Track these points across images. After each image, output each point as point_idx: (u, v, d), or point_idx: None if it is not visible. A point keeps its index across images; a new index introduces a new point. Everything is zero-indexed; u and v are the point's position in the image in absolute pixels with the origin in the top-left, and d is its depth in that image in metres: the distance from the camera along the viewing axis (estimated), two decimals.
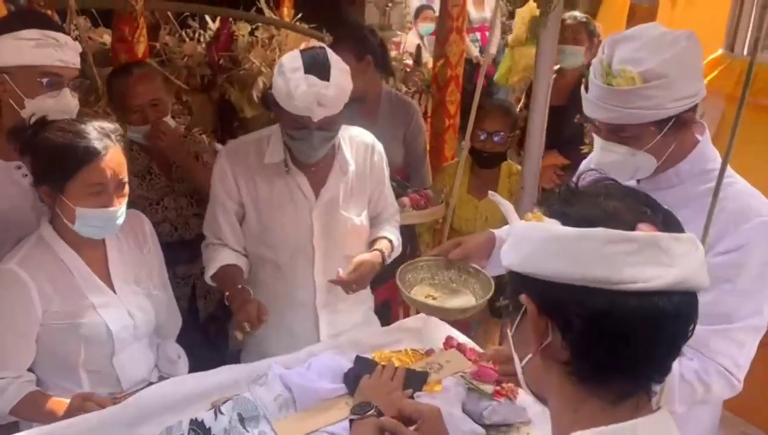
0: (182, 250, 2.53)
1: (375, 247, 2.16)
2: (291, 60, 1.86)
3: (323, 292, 2.12)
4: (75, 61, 1.89)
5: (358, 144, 2.14)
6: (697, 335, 1.44)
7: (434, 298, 1.84)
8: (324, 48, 1.95)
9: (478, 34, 6.58)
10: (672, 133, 1.51)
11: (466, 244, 1.85)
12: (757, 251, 1.46)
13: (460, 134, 3.46)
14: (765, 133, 3.15)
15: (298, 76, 1.82)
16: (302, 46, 1.95)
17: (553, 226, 0.86)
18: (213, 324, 2.70)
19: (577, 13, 3.41)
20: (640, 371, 0.85)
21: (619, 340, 0.81)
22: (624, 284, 0.79)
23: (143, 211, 2.39)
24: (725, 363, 1.45)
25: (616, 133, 1.54)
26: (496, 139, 2.78)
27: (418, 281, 1.89)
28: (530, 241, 0.87)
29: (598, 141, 1.60)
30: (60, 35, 1.85)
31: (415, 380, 1.57)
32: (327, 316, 2.15)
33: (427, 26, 6.12)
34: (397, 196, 2.51)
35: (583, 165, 1.89)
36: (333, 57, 1.90)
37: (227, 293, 1.99)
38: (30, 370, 1.77)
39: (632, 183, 1.63)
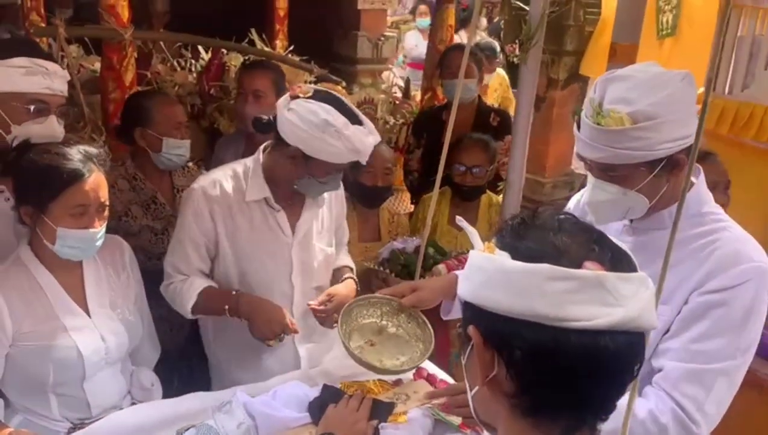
0: None
1: (345, 276, 2.18)
2: (332, 116, 1.83)
3: (301, 326, 2.11)
4: (62, 89, 1.93)
5: None
6: (667, 370, 1.46)
7: (373, 344, 1.80)
8: (330, 92, 1.95)
9: None
10: (664, 174, 1.51)
11: (421, 291, 1.82)
12: (743, 295, 1.45)
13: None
14: (750, 170, 3.18)
15: (353, 130, 1.84)
16: (302, 87, 1.94)
17: (503, 258, 0.86)
18: None
19: (461, 44, 3.55)
20: (584, 408, 0.85)
21: (561, 376, 0.81)
22: (566, 322, 0.79)
23: (149, 241, 2.47)
24: (687, 406, 1.43)
25: (607, 173, 1.54)
26: (474, 171, 2.82)
27: (365, 318, 1.85)
28: (480, 271, 0.88)
29: (590, 179, 1.60)
30: (49, 63, 1.89)
31: (381, 411, 1.57)
32: (306, 350, 2.15)
33: (424, 20, 6.30)
34: (435, 262, 2.54)
35: (572, 202, 1.90)
36: (347, 101, 1.96)
37: (227, 307, 1.96)
38: (0, 392, 1.77)
39: (625, 223, 1.65)
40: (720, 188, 2.49)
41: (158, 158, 2.44)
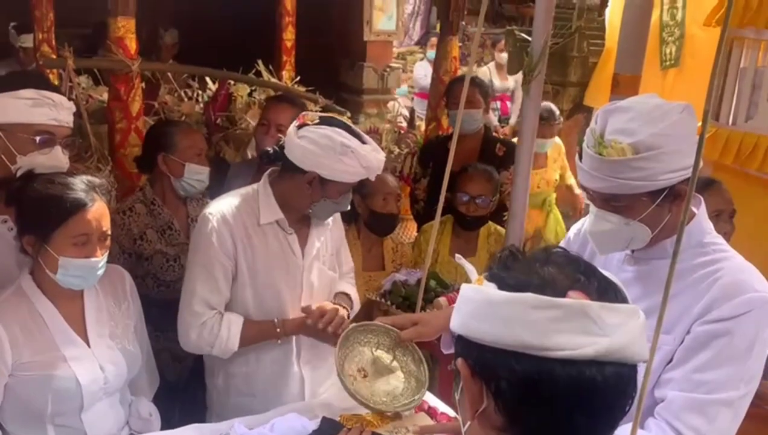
0: None
1: (335, 301, 2.17)
2: (344, 138, 1.89)
3: (307, 349, 2.13)
4: (68, 121, 1.95)
5: None
6: (669, 400, 1.44)
7: (365, 375, 1.78)
8: (337, 117, 2.01)
9: (498, 103, 6.71)
10: (666, 204, 1.50)
11: (421, 326, 1.79)
12: (747, 325, 1.43)
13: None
14: (755, 201, 3.18)
15: (366, 148, 1.92)
16: (308, 115, 1.99)
17: (489, 289, 0.86)
18: None
19: (472, 75, 3.56)
20: None
21: (548, 408, 0.80)
22: (551, 351, 0.79)
23: (160, 267, 2.48)
24: (682, 427, 1.41)
25: (609, 202, 1.54)
26: (479, 201, 2.82)
27: (362, 344, 1.83)
28: (468, 302, 0.88)
29: (592, 209, 1.60)
30: (56, 95, 1.92)
31: None
32: (310, 373, 2.14)
33: (434, 52, 6.36)
34: (436, 295, 2.54)
35: (572, 230, 1.90)
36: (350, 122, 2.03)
37: (279, 342, 2.05)
38: None
39: (626, 252, 1.64)
40: (725, 217, 2.49)
41: (179, 184, 2.49)
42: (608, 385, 0.80)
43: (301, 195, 1.98)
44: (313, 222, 2.11)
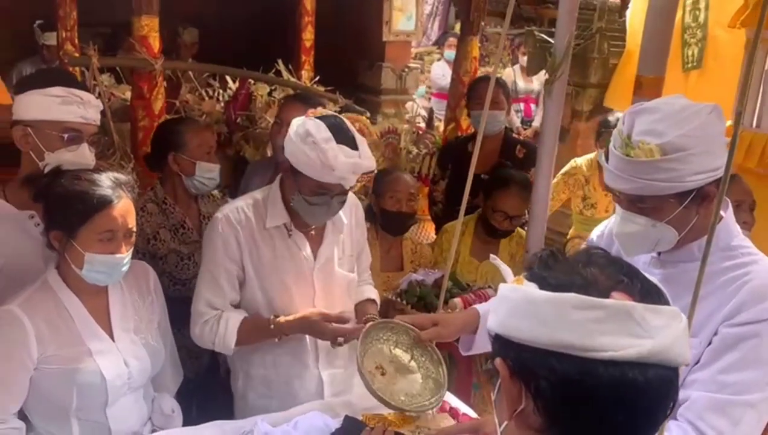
0: None
1: (368, 316, 2.15)
2: (317, 129, 1.83)
3: (324, 351, 2.12)
4: (95, 118, 1.98)
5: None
6: (693, 400, 1.43)
7: (383, 373, 1.77)
8: (338, 117, 1.97)
9: (522, 105, 6.68)
10: (693, 206, 1.49)
11: (441, 327, 1.79)
12: None
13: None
14: None
15: (333, 146, 1.81)
16: (316, 111, 1.97)
17: (530, 288, 0.86)
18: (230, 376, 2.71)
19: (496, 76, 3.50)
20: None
21: (588, 410, 0.80)
22: (594, 352, 0.78)
23: (175, 265, 2.50)
24: (704, 427, 1.40)
25: (636, 204, 1.53)
26: (514, 221, 2.81)
27: (381, 342, 1.82)
28: (507, 301, 0.88)
29: (618, 211, 1.59)
30: (84, 93, 1.94)
31: None
32: (329, 375, 2.14)
33: (451, 52, 6.36)
34: (452, 295, 2.53)
35: (594, 233, 1.89)
36: (350, 125, 1.93)
37: (276, 340, 2.01)
38: (23, 415, 1.78)
39: (652, 255, 1.63)
40: (744, 207, 2.48)
41: (191, 182, 2.50)
42: (651, 387, 0.79)
43: (285, 187, 2.01)
44: (327, 225, 2.09)
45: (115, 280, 1.84)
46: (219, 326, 2.02)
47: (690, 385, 1.47)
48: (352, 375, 2.15)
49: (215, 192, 2.76)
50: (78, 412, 1.79)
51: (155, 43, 2.80)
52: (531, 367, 0.83)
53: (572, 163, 3.74)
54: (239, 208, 2.05)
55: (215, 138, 2.62)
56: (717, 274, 1.50)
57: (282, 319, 2.00)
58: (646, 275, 0.88)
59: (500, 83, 3.43)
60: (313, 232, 2.08)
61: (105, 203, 1.72)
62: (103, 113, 2.90)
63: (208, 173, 2.50)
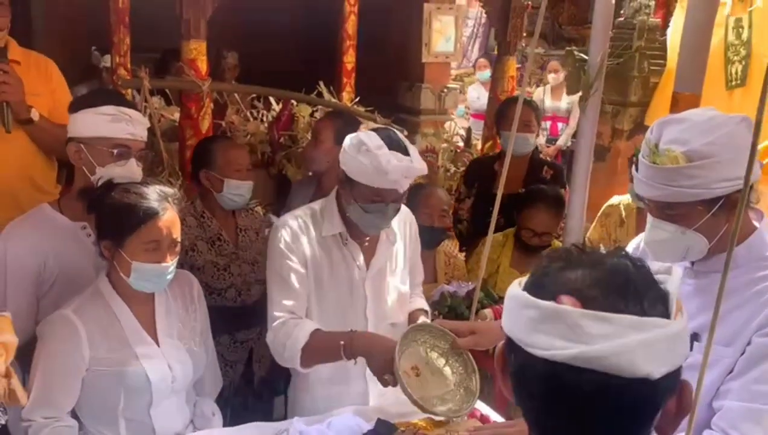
0: (244, 315, 2.67)
1: (420, 321, 2.18)
2: (369, 139, 1.92)
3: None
4: (143, 135, 2.10)
5: (398, 216, 2.23)
6: (726, 409, 1.44)
7: (418, 374, 1.80)
8: (390, 128, 2.05)
9: (548, 123, 6.69)
10: (722, 214, 1.51)
11: (479, 336, 1.83)
12: None
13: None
14: None
15: (385, 152, 1.89)
16: (362, 128, 2.07)
17: (516, 283, 0.92)
18: (265, 387, 2.80)
19: (527, 98, 3.49)
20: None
21: (537, 404, 0.86)
22: (531, 347, 0.83)
23: (212, 276, 2.59)
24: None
25: (665, 211, 1.56)
26: (544, 238, 2.84)
27: (418, 343, 1.85)
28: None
29: (649, 219, 1.63)
30: (132, 111, 2.06)
31: None
32: (376, 385, 2.15)
33: (484, 73, 6.43)
34: (482, 306, 2.57)
35: (631, 245, 1.90)
36: (401, 135, 2.01)
37: (342, 343, 1.91)
38: (75, 415, 1.88)
39: (686, 265, 1.64)
40: None
41: (221, 198, 2.60)
42: (584, 392, 0.80)
43: (342, 198, 2.07)
44: (381, 236, 2.15)
45: (161, 287, 1.94)
46: (294, 329, 1.98)
47: (724, 395, 1.48)
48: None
49: (258, 208, 2.87)
50: (125, 412, 1.88)
51: (203, 66, 2.94)
52: (508, 358, 0.89)
53: (611, 202, 3.66)
54: (298, 216, 2.12)
55: (247, 156, 2.72)
56: (751, 284, 1.50)
57: (357, 339, 1.93)
58: (665, 288, 0.86)
59: (532, 106, 3.47)
60: (367, 243, 2.14)
61: (151, 215, 1.82)
62: (153, 133, 3.07)
63: (236, 190, 2.59)
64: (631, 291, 0.83)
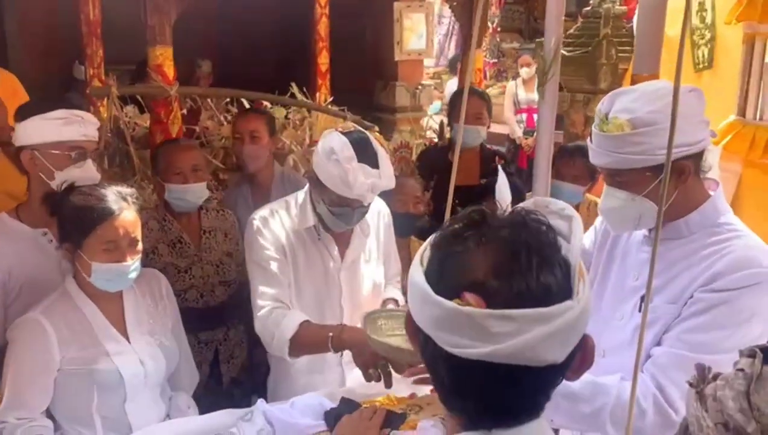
0: (207, 317, 2.69)
1: (388, 307, 2.24)
2: (341, 147, 1.95)
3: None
4: (95, 135, 2.14)
5: (371, 208, 2.27)
6: (657, 356, 1.51)
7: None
8: (364, 133, 2.09)
9: (524, 116, 6.78)
10: (671, 181, 1.55)
11: None
12: (749, 297, 1.48)
13: None
14: None
15: (354, 166, 1.93)
16: (345, 125, 2.11)
17: (415, 267, 0.89)
18: (236, 388, 2.81)
19: (476, 89, 3.50)
20: (486, 412, 0.87)
21: (452, 384, 0.86)
22: (438, 341, 0.83)
23: (171, 277, 2.55)
24: (670, 391, 1.46)
25: (615, 178, 1.63)
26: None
27: (392, 333, 1.85)
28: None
29: (605, 187, 1.70)
30: (83, 113, 2.11)
31: (394, 420, 1.63)
32: (352, 373, 2.21)
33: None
34: None
35: (597, 220, 1.95)
36: (375, 143, 2.06)
37: (330, 334, 1.95)
38: (51, 416, 1.91)
39: (644, 233, 1.71)
40: None
41: (170, 202, 2.62)
42: (498, 381, 0.83)
43: (313, 194, 2.12)
44: (354, 229, 2.20)
45: (124, 286, 1.96)
46: (284, 319, 2.02)
47: (662, 342, 1.56)
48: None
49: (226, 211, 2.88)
50: (100, 409, 1.92)
51: (170, 71, 2.98)
52: (418, 335, 0.88)
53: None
54: (273, 210, 2.18)
55: (195, 158, 2.66)
56: (701, 248, 1.57)
57: (345, 332, 1.97)
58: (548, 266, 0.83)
59: (484, 98, 3.48)
60: (341, 235, 2.19)
61: (107, 215, 1.85)
62: (124, 140, 3.11)
63: (176, 194, 2.59)
64: (534, 267, 0.82)
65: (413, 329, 0.89)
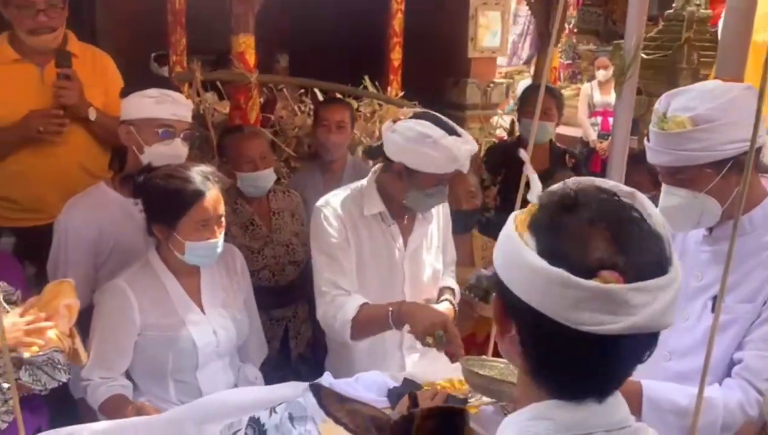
0: (278, 295, 2.79)
1: (443, 297, 2.29)
2: (428, 129, 1.98)
3: (409, 334, 2.24)
4: (187, 116, 2.24)
5: None
6: (748, 362, 1.53)
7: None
8: (429, 111, 2.12)
9: (599, 118, 6.67)
10: (732, 177, 1.56)
11: None
12: None
13: None
14: None
15: (450, 140, 1.98)
16: (404, 111, 2.16)
17: (527, 250, 0.88)
18: (304, 364, 2.90)
19: (547, 85, 3.42)
20: (587, 383, 0.89)
21: (563, 360, 0.88)
22: (575, 324, 0.83)
23: (246, 259, 2.65)
24: (763, 386, 1.48)
25: (675, 176, 1.63)
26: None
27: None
28: (506, 250, 0.92)
29: (663, 187, 1.69)
30: (175, 93, 2.22)
31: (455, 403, 1.66)
32: (412, 360, 2.27)
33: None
34: None
35: None
36: (442, 116, 2.11)
37: (390, 309, 1.98)
38: (129, 377, 2.04)
39: (703, 232, 1.70)
40: None
41: (241, 188, 2.71)
42: (625, 347, 0.86)
43: (394, 186, 2.13)
44: (417, 215, 2.24)
45: (213, 261, 2.07)
46: (346, 303, 2.06)
47: (744, 346, 1.55)
48: (434, 360, 2.22)
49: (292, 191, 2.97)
50: (174, 373, 2.03)
51: (251, 59, 3.10)
52: (518, 315, 0.90)
53: None
54: (339, 196, 2.22)
55: (260, 145, 2.75)
56: (766, 246, 1.56)
57: (404, 307, 1.99)
58: (655, 229, 0.88)
59: (554, 94, 3.42)
60: (405, 222, 2.23)
61: (198, 196, 1.94)
62: (205, 125, 3.24)
63: (248, 181, 2.68)
64: (646, 238, 0.87)
65: (505, 318, 0.93)
